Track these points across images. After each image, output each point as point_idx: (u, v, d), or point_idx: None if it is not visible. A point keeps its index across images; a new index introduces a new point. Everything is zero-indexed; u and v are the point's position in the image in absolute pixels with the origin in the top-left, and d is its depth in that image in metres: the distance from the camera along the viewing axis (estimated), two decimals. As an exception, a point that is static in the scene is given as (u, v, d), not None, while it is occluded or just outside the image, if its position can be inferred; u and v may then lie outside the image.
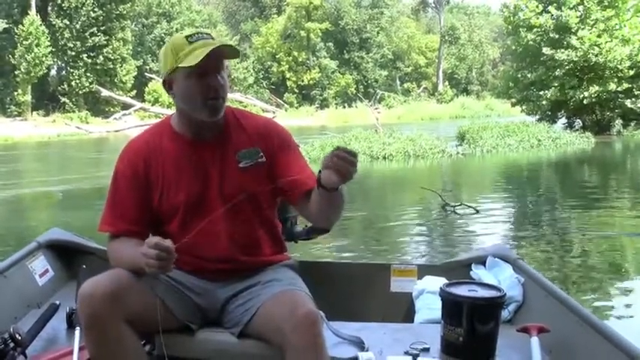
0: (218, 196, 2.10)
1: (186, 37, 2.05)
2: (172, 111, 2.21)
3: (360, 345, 2.27)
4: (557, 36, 23.97)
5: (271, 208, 2.23)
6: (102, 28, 40.88)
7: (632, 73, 23.37)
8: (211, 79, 2.03)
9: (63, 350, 2.21)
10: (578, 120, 25.44)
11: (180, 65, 2.02)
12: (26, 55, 37.13)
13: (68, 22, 40.54)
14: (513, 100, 26.82)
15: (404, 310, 2.84)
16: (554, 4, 24.59)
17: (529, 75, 24.92)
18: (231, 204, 2.04)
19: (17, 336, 2.10)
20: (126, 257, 2.00)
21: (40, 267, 2.85)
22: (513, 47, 26.36)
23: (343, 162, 1.82)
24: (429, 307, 2.66)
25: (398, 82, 57.61)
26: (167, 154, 2.14)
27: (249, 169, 2.12)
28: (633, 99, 23.76)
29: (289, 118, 33.79)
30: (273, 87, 51.86)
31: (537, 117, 25.37)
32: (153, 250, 1.83)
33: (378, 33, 55.51)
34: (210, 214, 2.06)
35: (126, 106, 39.71)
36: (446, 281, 2.41)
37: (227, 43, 2.10)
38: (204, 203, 2.09)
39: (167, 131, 2.17)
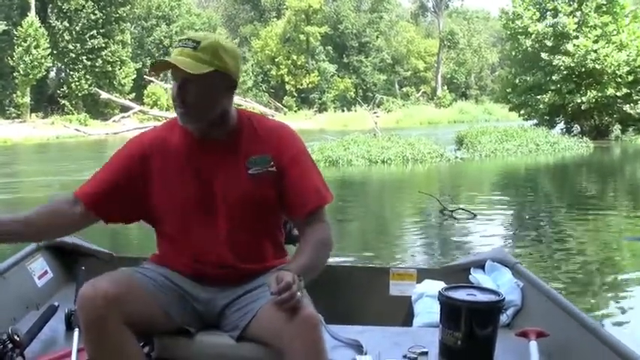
0: (221, 199, 2.07)
1: (178, 41, 2.08)
2: (171, 114, 2.20)
3: (359, 348, 2.27)
4: (554, 43, 24.00)
5: (277, 217, 2.18)
6: (101, 31, 40.87)
7: (630, 78, 23.42)
8: (173, 88, 2.05)
9: (61, 352, 2.21)
10: (576, 125, 25.44)
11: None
12: (25, 57, 37.07)
13: (68, 25, 40.54)
14: (511, 104, 26.84)
15: (403, 313, 2.84)
16: (552, 11, 24.64)
17: (528, 79, 24.95)
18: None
19: (16, 337, 2.10)
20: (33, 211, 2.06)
21: (39, 268, 2.85)
22: (512, 53, 26.39)
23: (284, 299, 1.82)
24: (427, 311, 2.66)
25: (397, 87, 57.59)
26: (173, 149, 2.12)
27: (257, 176, 2.08)
28: (632, 104, 23.79)
29: (288, 121, 33.24)
30: (272, 90, 51.84)
31: (535, 122, 25.38)
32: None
33: (377, 37, 55.46)
34: (211, 217, 2.06)
35: (125, 109, 39.78)
36: (445, 285, 2.41)
37: (185, 62, 1.98)
38: (206, 205, 2.07)
39: (178, 128, 2.15)
